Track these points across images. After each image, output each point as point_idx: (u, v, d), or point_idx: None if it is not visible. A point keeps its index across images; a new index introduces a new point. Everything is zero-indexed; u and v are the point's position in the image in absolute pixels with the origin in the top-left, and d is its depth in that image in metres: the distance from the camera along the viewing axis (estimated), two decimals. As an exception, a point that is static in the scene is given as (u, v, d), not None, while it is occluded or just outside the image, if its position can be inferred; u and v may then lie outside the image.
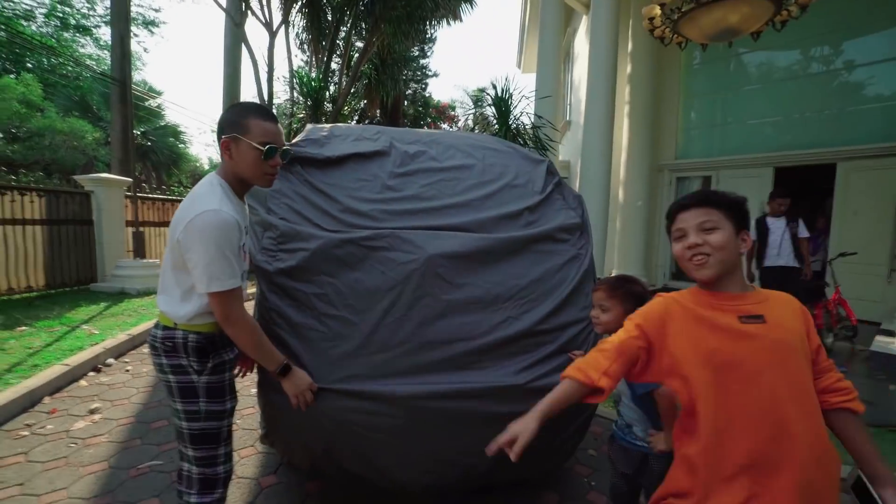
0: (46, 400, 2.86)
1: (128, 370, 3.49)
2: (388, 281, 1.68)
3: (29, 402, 2.77)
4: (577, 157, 7.92)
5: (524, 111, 6.31)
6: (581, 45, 8.86)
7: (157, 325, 1.37)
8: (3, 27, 13.43)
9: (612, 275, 1.63)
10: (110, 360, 3.60)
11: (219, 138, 1.34)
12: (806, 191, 7.88)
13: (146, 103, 18.22)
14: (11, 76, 15.51)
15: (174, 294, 1.33)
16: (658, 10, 4.63)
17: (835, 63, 6.09)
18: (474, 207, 1.95)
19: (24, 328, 4.06)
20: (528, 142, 6.12)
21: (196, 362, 1.34)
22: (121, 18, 8.35)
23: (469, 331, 1.69)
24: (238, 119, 1.31)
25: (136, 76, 21.44)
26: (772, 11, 4.16)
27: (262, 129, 1.32)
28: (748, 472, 0.89)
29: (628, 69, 7.32)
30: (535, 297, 1.81)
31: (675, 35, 4.89)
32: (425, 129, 2.64)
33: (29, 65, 17.59)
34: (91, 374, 3.35)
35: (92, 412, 2.72)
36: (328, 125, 2.24)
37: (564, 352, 1.73)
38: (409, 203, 1.90)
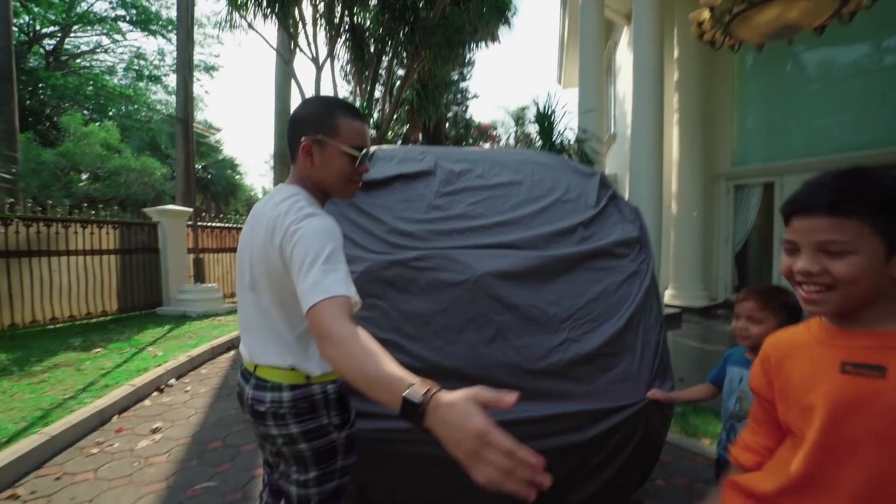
0: (115, 419, 3.02)
1: (187, 391, 3.64)
2: (438, 302, 1.63)
3: (99, 420, 2.93)
4: (624, 170, 7.64)
5: (567, 126, 6.20)
6: (623, 57, 8.67)
7: (265, 387, 1.06)
8: (91, 83, 15.10)
9: (763, 285, 1.55)
10: (172, 381, 3.77)
11: (295, 139, 1.09)
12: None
13: (207, 139, 19.70)
14: (96, 124, 17.34)
15: (287, 338, 1.05)
16: (707, 14, 4.43)
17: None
18: (524, 224, 1.88)
19: (98, 350, 4.36)
20: (574, 156, 5.98)
21: (338, 416, 1.11)
22: (184, 65, 9.14)
23: (526, 354, 1.59)
24: (325, 117, 1.08)
25: (199, 116, 23.37)
26: (837, 4, 3.86)
27: (354, 129, 1.09)
28: None
29: (675, 77, 7.05)
30: (595, 316, 1.69)
31: (727, 37, 4.65)
32: (471, 147, 2.62)
33: (110, 112, 19.64)
34: (155, 394, 3.52)
35: (154, 431, 2.84)
36: (372, 147, 2.26)
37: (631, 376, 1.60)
38: (456, 222, 1.85)
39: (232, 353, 4.94)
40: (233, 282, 8.62)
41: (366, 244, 1.81)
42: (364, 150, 1.11)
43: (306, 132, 1.08)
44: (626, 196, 7.42)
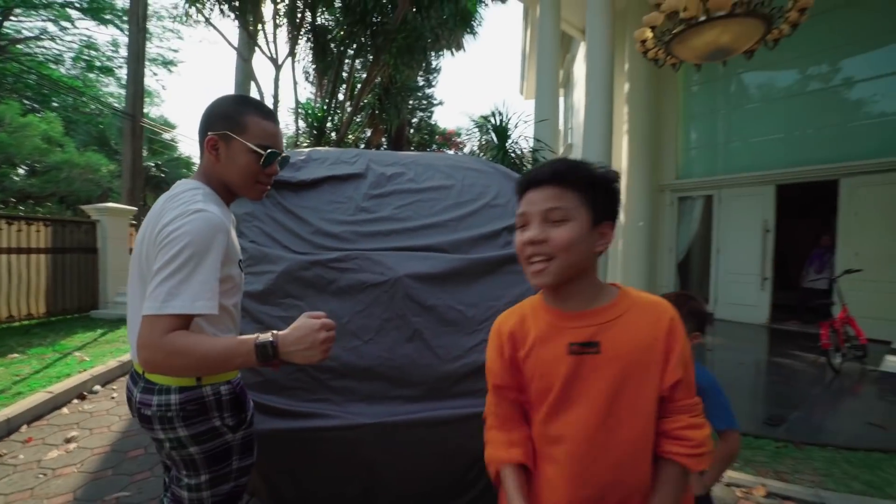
0: (24, 428, 2.80)
1: (113, 397, 3.43)
2: (357, 303, 1.63)
3: (6, 430, 2.71)
4: (578, 179, 7.90)
5: (523, 135, 6.35)
6: (580, 70, 8.99)
7: (152, 390, 1.02)
8: (32, 71, 14.14)
9: (669, 292, 1.43)
10: (97, 388, 3.55)
11: (203, 134, 1.08)
12: (810, 208, 7.71)
13: (160, 136, 18.85)
14: (38, 115, 16.22)
15: None
16: (650, 33, 4.68)
17: (834, 79, 6.07)
18: (450, 228, 1.90)
19: (15, 355, 4.04)
20: (528, 165, 6.13)
21: (232, 417, 1.08)
22: (135, 57, 8.74)
23: (442, 354, 1.61)
24: (233, 114, 1.07)
25: (155, 112, 22.33)
26: (762, 30, 4.17)
27: (263, 129, 1.08)
28: None
29: (626, 91, 7.38)
30: (513, 319, 1.73)
31: (669, 56, 4.92)
32: (411, 152, 2.63)
33: (54, 103, 18.42)
34: (75, 401, 3.30)
35: (68, 441, 2.65)
36: (307, 149, 2.23)
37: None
38: (382, 224, 1.86)
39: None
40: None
41: (288, 244, 1.78)
42: (269, 150, 1.09)
43: (213, 127, 1.07)
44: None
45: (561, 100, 9.90)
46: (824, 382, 3.99)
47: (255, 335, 0.93)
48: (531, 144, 6.44)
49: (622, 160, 7.43)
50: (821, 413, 3.33)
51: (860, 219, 5.70)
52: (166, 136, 19.52)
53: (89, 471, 2.35)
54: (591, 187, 0.78)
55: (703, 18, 4.13)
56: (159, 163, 18.66)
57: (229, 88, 10.46)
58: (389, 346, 1.58)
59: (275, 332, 0.94)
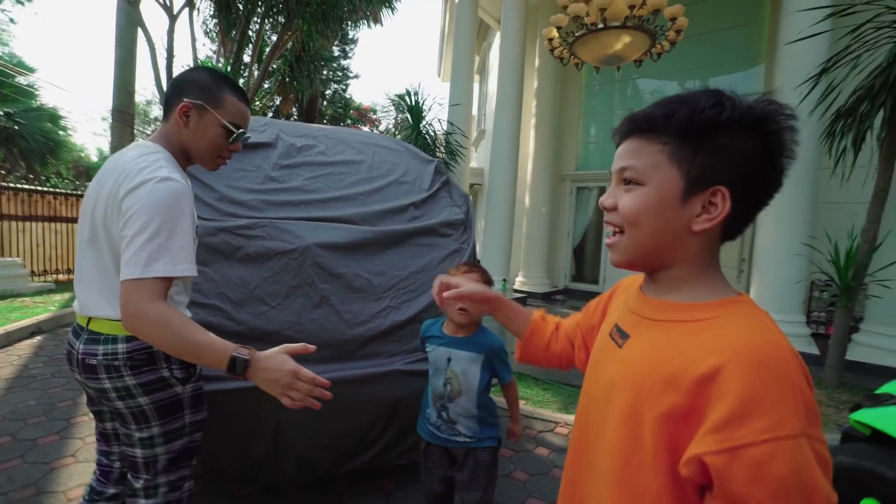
0: None
1: (-34, 383, 2.99)
2: (265, 270, 1.67)
3: None
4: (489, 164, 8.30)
5: (437, 118, 6.50)
6: (496, 58, 9.33)
7: (98, 340, 1.05)
8: None
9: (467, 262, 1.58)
10: (-58, 373, 3.05)
11: (175, 97, 1.10)
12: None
13: (12, 80, 15.71)
14: None
15: None
16: (556, 32, 5.06)
17: (701, 94, 7.07)
18: (359, 201, 2.00)
19: None
20: (440, 147, 6.31)
21: (180, 369, 1.11)
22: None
23: (349, 319, 1.73)
24: (213, 88, 1.11)
25: (3, 50, 18.45)
26: (648, 43, 4.76)
27: (238, 109, 1.14)
28: None
29: (535, 84, 7.86)
30: (416, 287, 1.90)
31: (572, 56, 5.38)
32: (323, 125, 2.64)
33: None
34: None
35: None
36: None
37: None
38: (291, 194, 1.89)
39: (37, 339, 4.16)
40: (45, 257, 7.16)
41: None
42: (241, 130, 1.15)
43: (189, 95, 1.10)
44: (486, 188, 8.10)
45: (476, 85, 10.20)
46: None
47: (235, 346, 0.94)
48: (445, 127, 6.62)
49: (529, 149, 7.96)
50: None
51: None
52: (21, 80, 16.33)
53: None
54: (695, 139, 0.54)
55: (601, 26, 4.59)
56: (11, 111, 15.65)
57: (108, 33, 9.05)
58: (297, 312, 1.66)
59: (251, 351, 0.95)
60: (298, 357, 0.98)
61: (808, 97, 3.38)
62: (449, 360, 1.40)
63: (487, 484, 1.43)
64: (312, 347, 1.01)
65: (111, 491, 1.23)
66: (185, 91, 1.10)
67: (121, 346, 1.04)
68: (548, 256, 7.98)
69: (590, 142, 8.35)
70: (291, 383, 0.94)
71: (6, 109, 15.59)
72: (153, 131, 1.18)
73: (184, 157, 1.15)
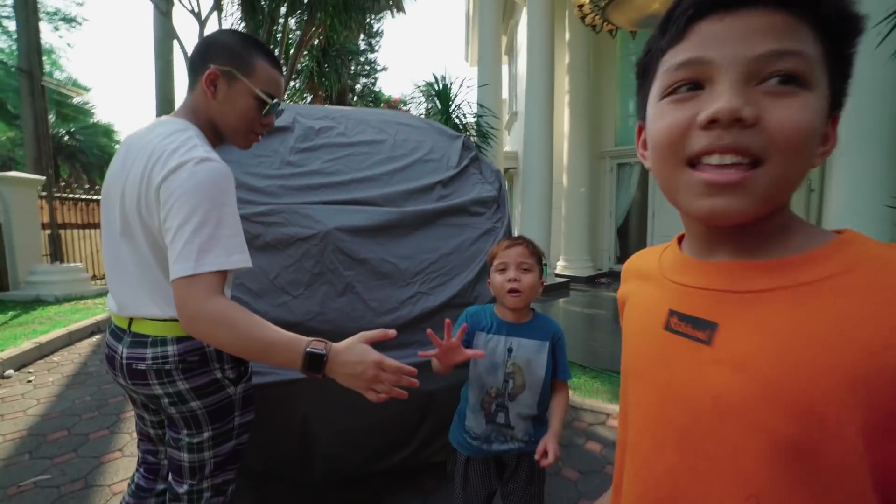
0: (-80, 419, 2.53)
1: (30, 381, 3.16)
2: (285, 258, 1.58)
3: None
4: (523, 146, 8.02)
5: (466, 101, 6.30)
6: (523, 37, 8.97)
7: (144, 342, 0.95)
8: None
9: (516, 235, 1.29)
10: (9, 372, 3.25)
11: (201, 65, 0.97)
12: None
13: (70, 100, 16.85)
14: None
15: (167, 286, 0.90)
16: (587, -2, 4.73)
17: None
18: (383, 182, 1.87)
19: None
20: (471, 130, 6.12)
21: (233, 369, 1.02)
22: (23, 4, 7.62)
23: (375, 308, 1.61)
24: (242, 52, 0.97)
25: (60, 74, 19.82)
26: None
27: (271, 76, 1.00)
28: None
29: (566, 59, 7.47)
30: (448, 270, 1.76)
31: (605, 23, 5.02)
32: (341, 106, 2.53)
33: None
34: (-17, 387, 3.01)
35: (-26, 429, 2.43)
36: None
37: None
38: (310, 178, 1.79)
39: (96, 337, 4.38)
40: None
41: (209, 201, 1.68)
42: (276, 100, 1.01)
43: (216, 60, 0.96)
44: (521, 171, 7.81)
45: (505, 67, 9.87)
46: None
47: (308, 340, 0.84)
48: (475, 110, 6.42)
49: (564, 127, 7.60)
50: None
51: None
52: (78, 99, 17.49)
53: (1, 458, 2.18)
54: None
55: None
56: (72, 130, 16.80)
57: (148, 47, 9.47)
58: (321, 301, 1.56)
59: (327, 344, 0.85)
60: None
61: (889, 38, 2.92)
62: (510, 350, 1.19)
63: (541, 492, 1.25)
64: (392, 332, 0.90)
65: (161, 486, 1.17)
66: (211, 56, 0.97)
67: (171, 349, 0.94)
68: (590, 238, 7.62)
69: (629, 115, 7.87)
70: (377, 375, 0.85)
71: (69, 129, 16.77)
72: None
73: (213, 134, 1.02)
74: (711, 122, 0.37)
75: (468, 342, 1.20)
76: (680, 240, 0.54)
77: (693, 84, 0.40)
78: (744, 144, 0.37)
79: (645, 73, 0.47)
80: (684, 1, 0.39)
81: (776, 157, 0.37)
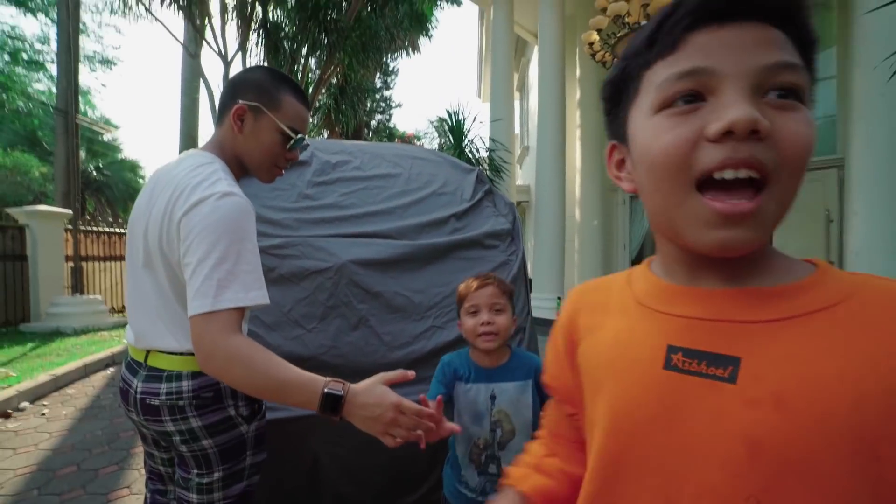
0: (-67, 451, 2.53)
1: (43, 414, 3.16)
2: (299, 290, 1.58)
3: (-90, 454, 2.44)
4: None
5: (479, 136, 6.44)
6: (535, 73, 9.23)
7: (159, 377, 0.93)
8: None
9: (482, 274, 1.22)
10: (24, 404, 3.26)
11: (230, 100, 0.99)
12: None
13: (100, 137, 17.69)
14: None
15: (185, 320, 0.87)
16: (596, 36, 4.87)
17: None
18: (397, 215, 1.89)
19: (-73, 373, 3.66)
20: (484, 164, 6.21)
21: (246, 406, 0.99)
22: (66, 48, 8.16)
23: (388, 342, 1.59)
24: (270, 88, 0.99)
25: (93, 112, 20.95)
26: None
27: (297, 111, 1.02)
28: None
29: (577, 95, 7.62)
30: (461, 304, 1.74)
31: (615, 59, 5.14)
32: (358, 141, 2.60)
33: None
34: (-2, 419, 3.02)
35: (-15, 462, 2.42)
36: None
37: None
38: (326, 211, 1.82)
39: (111, 370, 4.40)
40: (123, 294, 7.74)
41: (227, 234, 1.71)
42: (300, 135, 1.03)
43: (245, 96, 0.98)
44: (533, 204, 7.85)
45: (517, 103, 10.12)
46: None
47: (326, 380, 0.82)
48: (488, 145, 6.54)
49: (576, 161, 7.67)
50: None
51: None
52: (108, 136, 18.37)
53: (10, 493, 2.15)
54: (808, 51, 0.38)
55: (644, 23, 4.34)
56: (100, 165, 17.53)
57: (176, 87, 9.97)
58: (334, 335, 1.54)
59: (345, 385, 0.83)
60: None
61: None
62: (493, 397, 1.13)
63: None
64: (412, 374, 0.87)
65: None
66: (240, 92, 0.99)
67: (185, 384, 0.92)
68: (603, 271, 7.52)
69: (641, 148, 7.91)
70: (395, 419, 0.81)
71: (98, 164, 17.52)
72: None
73: (238, 167, 1.03)
74: (725, 134, 0.35)
75: (449, 395, 1.16)
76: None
77: (692, 96, 0.37)
78: (758, 158, 0.35)
79: (621, 89, 0.45)
80: (677, 11, 0.38)
81: (783, 174, 0.36)
